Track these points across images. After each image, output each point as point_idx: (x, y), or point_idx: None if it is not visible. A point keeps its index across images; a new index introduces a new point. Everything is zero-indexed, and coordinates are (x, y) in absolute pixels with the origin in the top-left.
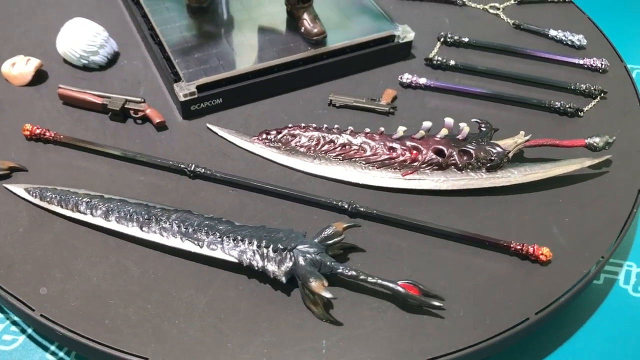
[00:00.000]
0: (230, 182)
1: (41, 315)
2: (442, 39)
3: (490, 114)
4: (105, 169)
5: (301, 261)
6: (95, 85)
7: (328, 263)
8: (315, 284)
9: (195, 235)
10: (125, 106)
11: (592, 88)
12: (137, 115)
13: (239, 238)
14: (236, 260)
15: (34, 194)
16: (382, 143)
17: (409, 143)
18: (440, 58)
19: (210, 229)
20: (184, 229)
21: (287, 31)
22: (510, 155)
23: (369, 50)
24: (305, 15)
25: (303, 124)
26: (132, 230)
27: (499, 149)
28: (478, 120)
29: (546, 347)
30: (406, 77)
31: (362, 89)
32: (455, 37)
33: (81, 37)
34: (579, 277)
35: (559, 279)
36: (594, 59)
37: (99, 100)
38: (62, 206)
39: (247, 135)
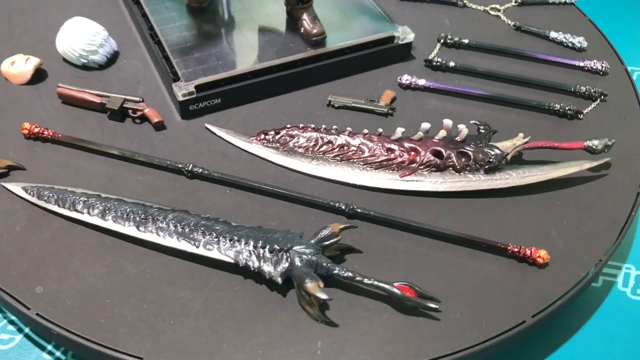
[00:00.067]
0: (228, 182)
1: (37, 314)
2: (442, 41)
3: (490, 115)
4: (103, 168)
5: (297, 262)
6: (94, 85)
7: (324, 264)
8: (310, 285)
9: (191, 235)
10: (124, 105)
11: (592, 90)
12: (135, 115)
13: (236, 238)
14: (232, 261)
15: (32, 193)
16: (380, 144)
17: (407, 144)
18: (440, 59)
19: (206, 229)
20: (181, 229)
21: (287, 32)
22: (509, 157)
23: (369, 51)
24: (305, 16)
25: (301, 125)
26: (129, 229)
27: (497, 151)
28: (477, 122)
29: (544, 349)
30: (405, 78)
31: (361, 89)
32: (456, 39)
33: (81, 36)
34: (576, 280)
35: (556, 282)
36: (595, 61)
37: (97, 100)
38: (59, 205)
39: (246, 135)
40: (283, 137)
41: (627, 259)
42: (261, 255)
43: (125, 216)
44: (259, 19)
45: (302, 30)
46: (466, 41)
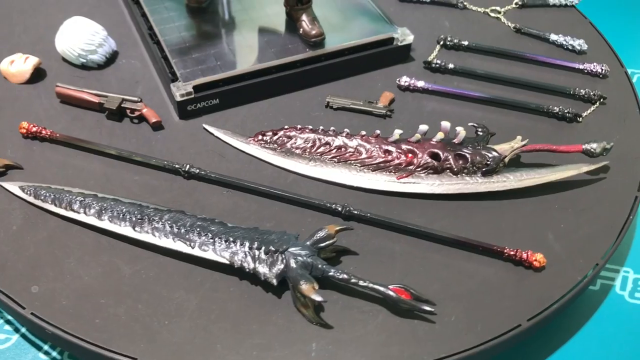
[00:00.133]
0: (225, 183)
1: (31, 314)
2: (441, 42)
3: (488, 118)
4: (101, 168)
5: (292, 264)
6: (93, 84)
7: (319, 266)
8: (305, 287)
9: (187, 236)
10: (122, 105)
11: (591, 93)
12: (133, 115)
13: (231, 239)
14: (228, 262)
15: (29, 192)
16: (377, 146)
17: (404, 146)
18: (439, 61)
19: (202, 229)
20: (177, 230)
21: (286, 32)
22: (507, 160)
23: (368, 53)
24: (304, 17)
25: (299, 126)
26: (125, 229)
27: (495, 154)
28: (475, 125)
29: (541, 352)
30: (404, 80)
31: (360, 91)
32: (455, 41)
33: (80, 36)
34: (573, 284)
35: (553, 286)
36: (594, 64)
37: (96, 99)
38: (56, 205)
39: (243, 136)
40: (280, 138)
41: (625, 262)
42: (256, 256)
43: (121, 216)
44: (258, 19)
45: (301, 31)
46: (466, 43)
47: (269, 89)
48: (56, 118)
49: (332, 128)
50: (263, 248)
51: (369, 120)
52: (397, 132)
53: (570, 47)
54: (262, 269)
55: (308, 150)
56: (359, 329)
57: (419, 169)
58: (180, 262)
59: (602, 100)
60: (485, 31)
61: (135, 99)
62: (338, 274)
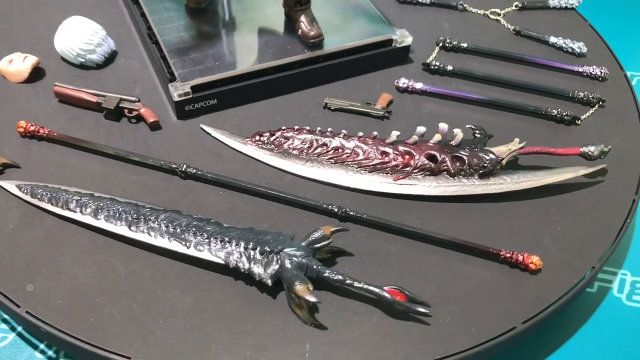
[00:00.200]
0: (222, 183)
1: (26, 312)
2: (440, 44)
3: (487, 120)
4: (98, 168)
5: (287, 264)
6: (91, 84)
7: (314, 267)
8: (300, 288)
9: (182, 236)
10: (120, 105)
11: (590, 96)
12: (131, 115)
13: (227, 239)
14: (223, 262)
15: (25, 191)
16: (374, 147)
17: (401, 148)
18: (438, 63)
19: (198, 229)
20: (172, 229)
21: (285, 33)
22: (504, 162)
23: (366, 54)
24: (303, 18)
25: (297, 127)
26: (121, 229)
27: (492, 156)
28: (472, 127)
29: (537, 354)
30: (402, 82)
31: (358, 92)
32: (454, 43)
33: (79, 36)
34: (569, 287)
35: (548, 289)
36: (594, 67)
37: (94, 99)
38: (52, 204)
39: (240, 136)
40: (278, 139)
41: (622, 264)
42: (252, 256)
43: (117, 216)
44: (257, 20)
45: (299, 32)
46: (465, 45)
47: (267, 90)
48: (54, 117)
49: (329, 129)
50: (258, 248)
51: (366, 121)
52: (394, 134)
53: (569, 50)
54: (257, 270)
55: (305, 151)
56: (354, 330)
57: (416, 171)
58: (175, 261)
59: (601, 103)
60: (484, 33)
61: (133, 98)
62: (333, 274)
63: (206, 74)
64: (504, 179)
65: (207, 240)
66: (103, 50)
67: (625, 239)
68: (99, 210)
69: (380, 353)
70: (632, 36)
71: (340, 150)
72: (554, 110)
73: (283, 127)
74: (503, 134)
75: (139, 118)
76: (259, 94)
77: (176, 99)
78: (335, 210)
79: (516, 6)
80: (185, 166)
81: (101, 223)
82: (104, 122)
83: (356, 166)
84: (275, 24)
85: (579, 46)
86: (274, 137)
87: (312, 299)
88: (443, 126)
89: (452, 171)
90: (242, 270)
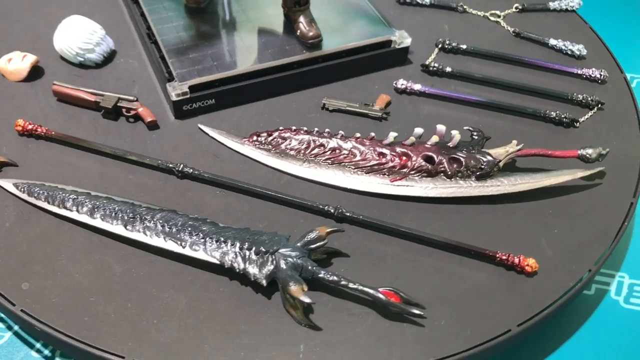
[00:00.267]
0: (218, 183)
1: (21, 311)
2: (440, 46)
3: (485, 122)
4: (95, 167)
5: (282, 265)
6: (90, 83)
7: (309, 267)
8: (294, 288)
9: (178, 235)
10: (118, 104)
11: (589, 99)
12: (129, 114)
13: (222, 239)
14: (218, 262)
15: (22, 189)
16: (372, 148)
17: (398, 149)
18: (436, 64)
19: (194, 229)
20: (168, 229)
21: (283, 34)
22: (501, 164)
23: (365, 55)
24: (302, 19)
25: (294, 127)
26: (117, 228)
27: (489, 158)
28: (470, 128)
29: (534, 357)
30: (401, 83)
31: (357, 93)
32: (454, 44)
33: (78, 35)
34: (564, 290)
35: (544, 291)
36: (593, 69)
37: (92, 98)
38: (49, 202)
39: (238, 136)
40: (275, 139)
41: (620, 267)
42: (247, 257)
43: (113, 215)
44: (256, 20)
45: (298, 32)
46: (464, 47)
47: (266, 90)
48: (52, 116)
49: (326, 130)
50: (254, 249)
51: (364, 122)
52: (391, 135)
53: (569, 52)
54: (252, 270)
55: (302, 151)
56: (348, 331)
57: (413, 172)
58: (171, 261)
59: (600, 105)
60: (484, 35)
61: (131, 98)
62: (328, 275)
63: (204, 73)
64: (501, 180)
65: (202, 240)
66: (102, 50)
67: (624, 242)
68: (95, 209)
69: (374, 354)
70: (632, 38)
71: (337, 151)
72: (552, 113)
73: (280, 128)
74: (501, 135)
75: (137, 117)
76: (257, 94)
77: (174, 98)
78: (332, 211)
79: (516, 8)
80: (182, 166)
81: (97, 222)
82: (102, 121)
83: (353, 167)
84: (274, 25)
85: (578, 48)
86: (271, 138)
87: (307, 299)
88: (441, 128)
89: (449, 173)
90: (237, 270)
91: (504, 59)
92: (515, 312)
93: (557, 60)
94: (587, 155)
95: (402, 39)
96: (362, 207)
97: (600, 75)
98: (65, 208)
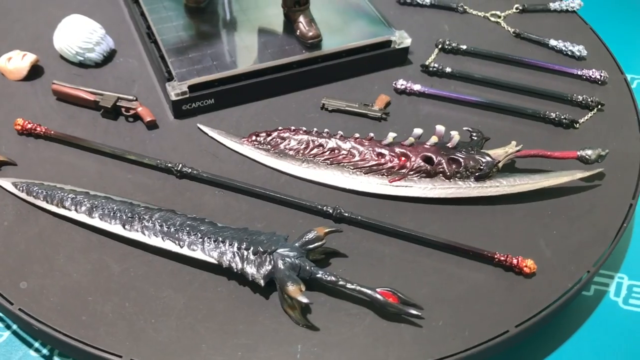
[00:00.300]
0: (217, 183)
1: (19, 309)
2: (440, 46)
3: (484, 122)
4: (94, 166)
5: (280, 265)
6: (90, 82)
7: (307, 267)
8: (292, 288)
9: (176, 235)
10: (117, 104)
11: (589, 100)
12: (128, 113)
13: (220, 239)
14: (216, 262)
15: (21, 189)
16: (371, 149)
17: (397, 149)
18: (436, 65)
19: (192, 229)
20: (166, 229)
21: (283, 34)
22: (500, 165)
23: (364, 55)
24: (301, 18)
25: (293, 127)
26: (115, 227)
27: (488, 159)
28: (469, 129)
29: (532, 358)
30: (400, 83)
31: (356, 93)
32: (454, 44)
33: (78, 34)
34: (563, 291)
35: (542, 293)
36: (593, 70)
37: (91, 97)
38: (47, 201)
39: (237, 136)
40: (274, 139)
41: (619, 268)
42: (245, 257)
43: (112, 214)
44: (256, 20)
45: (298, 32)
46: (464, 47)
47: (265, 90)
48: (52, 115)
49: (325, 130)
50: (252, 248)
51: (364, 122)
52: (390, 135)
53: (569, 53)
54: (250, 270)
55: (301, 151)
56: (346, 332)
57: (412, 173)
58: (169, 261)
59: (599, 106)
60: (484, 35)
61: (131, 97)
62: (326, 276)
63: (204, 73)
64: (500, 181)
65: (200, 240)
66: (102, 49)
67: (623, 243)
68: (94, 209)
69: (372, 355)
70: (633, 39)
71: (336, 151)
72: (552, 113)
73: (280, 128)
74: (501, 136)
75: (136, 117)
76: (257, 94)
77: (173, 98)
78: (330, 211)
79: (517, 8)
80: (181, 165)
81: (95, 221)
82: (101, 120)
83: (352, 167)
84: (274, 25)
85: (578, 49)
86: (270, 138)
87: (304, 299)
88: (440, 128)
89: (448, 173)
90: (235, 270)
91: (504, 60)
92: (514, 313)
93: (558, 61)
94: (587, 157)
95: (402, 39)
96: (360, 208)
97: (601, 76)
98: (64, 207)
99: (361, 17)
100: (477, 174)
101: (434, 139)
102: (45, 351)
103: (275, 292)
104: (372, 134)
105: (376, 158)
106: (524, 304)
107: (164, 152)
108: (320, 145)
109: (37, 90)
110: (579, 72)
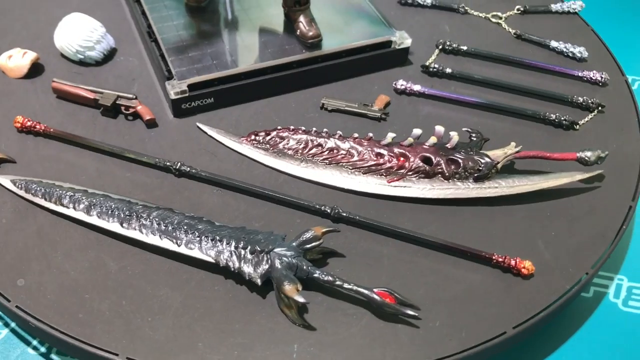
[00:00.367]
0: (215, 182)
1: (16, 307)
2: (440, 47)
3: (484, 123)
4: (93, 164)
5: (277, 264)
6: (90, 80)
7: (304, 267)
8: (288, 288)
9: (174, 234)
10: (117, 102)
11: (589, 101)
12: (128, 112)
13: (218, 238)
14: (213, 260)
15: (20, 186)
16: (369, 149)
17: (396, 150)
18: (437, 65)
19: (189, 227)
20: (164, 227)
21: (283, 33)
22: (499, 166)
23: (365, 55)
24: (302, 18)
25: (292, 127)
26: (113, 225)
27: (487, 160)
28: (469, 130)
29: (532, 359)
30: (400, 84)
31: (356, 93)
32: (454, 45)
33: (78, 32)
34: (561, 292)
35: (540, 294)
36: (594, 72)
37: (91, 95)
38: (46, 199)
39: (236, 135)
40: (273, 139)
41: (619, 270)
42: (242, 256)
43: (110, 212)
44: (256, 20)
45: (298, 32)
46: (465, 48)
47: (265, 89)
48: (52, 113)
49: (324, 130)
50: (249, 248)
51: (363, 123)
52: (389, 136)
53: (570, 55)
54: (247, 269)
55: (300, 151)
56: (342, 332)
57: (410, 173)
58: (166, 259)
59: (600, 108)
60: (485, 36)
61: (130, 96)
62: (323, 275)
63: (203, 72)
64: (499, 182)
65: (198, 239)
66: (102, 47)
67: (623, 245)
68: (92, 207)
69: (368, 355)
70: (634, 41)
71: (335, 151)
72: (552, 115)
73: (279, 127)
74: (500, 137)
75: (136, 115)
76: (256, 94)
77: (173, 96)
78: (328, 211)
79: (518, 10)
80: (179, 164)
81: (93, 219)
82: (100, 118)
83: (351, 167)
84: (275, 24)
85: (579, 51)
86: (269, 137)
87: (301, 299)
88: (439, 129)
89: (447, 174)
90: (232, 269)
91: (505, 61)
92: (511, 315)
93: (558, 62)
94: (586, 158)
95: (402, 39)
96: (358, 208)
97: (601, 77)
98: (62, 205)
99: (362, 17)
100: (475, 175)
101: (433, 140)
102: (43, 349)
103: (272, 291)
104: (371, 134)
105: (375, 158)
106: (522, 306)
107: (163, 151)
108: (319, 145)
109: (37, 88)
110: (580, 74)
